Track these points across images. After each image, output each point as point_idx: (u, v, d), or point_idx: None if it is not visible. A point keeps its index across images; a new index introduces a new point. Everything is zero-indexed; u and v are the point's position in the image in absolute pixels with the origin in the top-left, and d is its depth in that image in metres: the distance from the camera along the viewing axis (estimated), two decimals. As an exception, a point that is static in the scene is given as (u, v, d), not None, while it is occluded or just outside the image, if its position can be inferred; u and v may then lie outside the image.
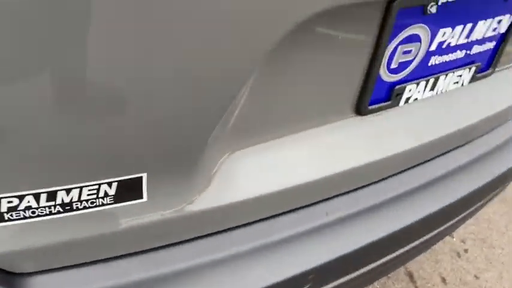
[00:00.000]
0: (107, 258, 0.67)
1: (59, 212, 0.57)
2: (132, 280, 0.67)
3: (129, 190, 0.60)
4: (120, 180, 0.58)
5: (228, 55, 0.55)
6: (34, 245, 0.58)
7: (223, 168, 0.68)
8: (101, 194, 0.58)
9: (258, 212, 0.75)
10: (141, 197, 0.61)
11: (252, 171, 0.70)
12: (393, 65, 0.81)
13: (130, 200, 0.61)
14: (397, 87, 0.84)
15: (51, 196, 0.55)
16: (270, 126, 0.72)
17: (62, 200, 0.56)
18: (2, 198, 0.52)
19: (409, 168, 0.96)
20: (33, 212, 0.55)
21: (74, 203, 0.57)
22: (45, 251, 0.60)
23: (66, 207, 0.57)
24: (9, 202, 0.52)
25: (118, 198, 0.59)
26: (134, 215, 0.62)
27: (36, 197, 0.54)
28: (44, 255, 0.60)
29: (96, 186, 0.57)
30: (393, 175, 0.94)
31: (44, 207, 0.55)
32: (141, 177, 0.59)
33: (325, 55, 0.70)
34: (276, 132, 0.73)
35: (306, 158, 0.76)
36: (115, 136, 0.54)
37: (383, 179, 0.92)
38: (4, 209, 0.53)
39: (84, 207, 0.58)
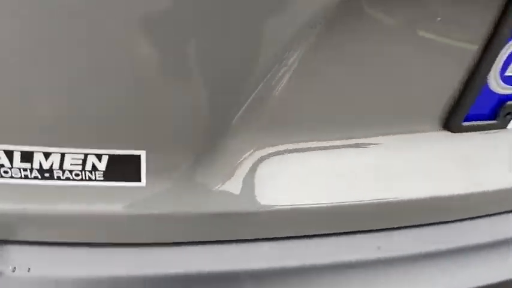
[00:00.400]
0: (93, 244, 0.57)
1: (35, 178, 0.47)
2: (106, 274, 0.56)
3: (123, 169, 0.48)
4: (112, 155, 0.46)
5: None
6: (7, 210, 0.49)
7: (247, 165, 0.54)
8: (88, 167, 0.47)
9: (286, 227, 0.59)
10: (139, 180, 0.50)
11: (285, 176, 0.55)
12: (509, 73, 0.60)
13: (125, 181, 0.49)
14: (508, 103, 0.63)
15: (27, 156, 0.45)
16: (316, 124, 0.56)
17: (40, 164, 0.46)
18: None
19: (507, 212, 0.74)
20: (5, 172, 0.46)
21: (55, 171, 0.47)
22: (20, 221, 0.51)
23: (45, 174, 0.47)
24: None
25: (109, 175, 0.48)
26: (129, 200, 0.51)
27: (9, 154, 0.44)
28: (17, 225, 0.52)
29: (82, 156, 0.46)
30: (483, 216, 0.72)
31: (18, 168, 0.46)
32: (139, 155, 0.47)
33: (408, 44, 0.52)
34: (324, 132, 0.57)
35: (360, 173, 0.58)
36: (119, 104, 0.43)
37: (468, 219, 0.71)
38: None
39: (68, 179, 0.48)
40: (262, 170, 0.55)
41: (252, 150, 0.55)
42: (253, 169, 0.55)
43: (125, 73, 0.41)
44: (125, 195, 0.50)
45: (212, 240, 0.58)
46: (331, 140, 0.57)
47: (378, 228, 0.63)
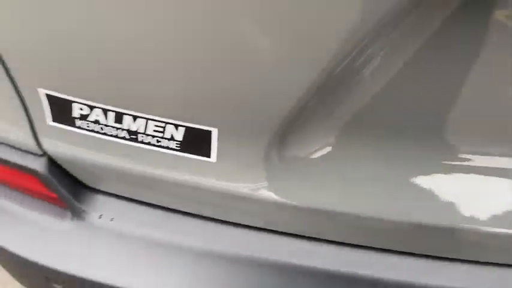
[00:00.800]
0: (167, 208, 0.62)
1: (124, 138, 0.53)
2: (175, 241, 0.60)
3: (197, 142, 0.52)
4: (188, 127, 0.50)
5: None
6: (100, 162, 0.56)
7: (313, 162, 0.53)
8: (167, 135, 0.52)
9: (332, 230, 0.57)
10: (209, 155, 0.53)
11: (350, 181, 0.53)
12: None
13: (197, 154, 0.53)
14: None
15: (119, 117, 0.51)
16: (402, 129, 0.53)
17: (129, 126, 0.52)
18: (74, 102, 0.51)
19: None
20: (101, 128, 0.53)
21: (140, 134, 0.53)
22: (109, 173, 0.58)
23: (132, 136, 0.53)
24: (80, 109, 0.51)
25: (185, 146, 0.53)
26: (199, 173, 0.55)
27: (105, 112, 0.51)
28: (108, 177, 0.59)
29: (163, 125, 0.51)
30: None
31: (111, 127, 0.53)
32: (210, 132, 0.50)
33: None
34: (408, 140, 0.53)
35: (447, 193, 0.53)
36: (199, 84, 0.47)
37: None
38: (76, 114, 0.52)
39: (150, 143, 0.53)
40: (330, 169, 0.54)
41: (323, 148, 0.55)
42: (318, 166, 0.54)
43: (208, 55, 0.44)
44: (196, 168, 0.54)
45: (261, 227, 0.59)
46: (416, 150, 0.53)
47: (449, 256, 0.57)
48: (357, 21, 0.39)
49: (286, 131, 0.50)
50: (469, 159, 0.54)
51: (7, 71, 0.50)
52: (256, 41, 0.42)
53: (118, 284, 0.60)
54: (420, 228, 0.55)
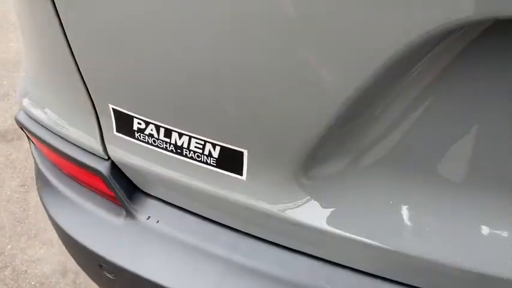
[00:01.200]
0: (203, 217, 0.69)
1: (172, 152, 0.62)
2: (214, 252, 0.67)
3: (230, 161, 0.59)
4: (223, 146, 0.58)
5: None
6: (151, 170, 0.66)
7: (339, 189, 0.57)
8: (206, 152, 0.60)
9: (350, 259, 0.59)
10: (241, 174, 0.60)
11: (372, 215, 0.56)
12: None
13: (230, 171, 0.60)
14: None
15: (168, 133, 0.60)
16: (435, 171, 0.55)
17: (175, 141, 0.61)
18: (134, 117, 0.61)
19: None
20: (154, 141, 0.62)
21: (184, 149, 0.61)
22: (157, 180, 0.67)
23: (178, 150, 0.61)
24: (139, 123, 0.61)
25: (220, 163, 0.60)
26: (232, 188, 0.61)
27: (157, 128, 0.61)
28: (156, 184, 0.68)
29: (203, 143, 0.59)
30: None
31: (162, 140, 0.62)
32: (242, 152, 0.57)
33: None
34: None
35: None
36: (233, 111, 0.54)
37: None
38: (135, 128, 0.62)
39: (192, 158, 0.61)
40: (354, 199, 0.58)
41: (350, 176, 0.59)
42: (343, 194, 0.58)
43: (237, 85, 0.52)
44: (229, 184, 0.61)
45: (284, 245, 0.64)
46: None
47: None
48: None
49: (311, 157, 0.55)
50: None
51: (86, 88, 0.62)
52: (287, 77, 0.48)
53: (156, 280, 0.68)
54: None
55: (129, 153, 0.66)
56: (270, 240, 0.67)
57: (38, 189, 0.82)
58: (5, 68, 2.86)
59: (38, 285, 1.59)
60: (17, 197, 1.94)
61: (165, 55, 0.52)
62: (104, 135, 0.66)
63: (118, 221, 0.71)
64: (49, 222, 1.84)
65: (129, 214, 0.71)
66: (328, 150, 0.55)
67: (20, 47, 3.06)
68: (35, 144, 0.81)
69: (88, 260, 0.75)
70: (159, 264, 0.69)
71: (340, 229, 0.59)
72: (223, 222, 0.68)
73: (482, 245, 0.55)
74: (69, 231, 0.73)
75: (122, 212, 0.72)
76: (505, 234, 0.55)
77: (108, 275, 0.74)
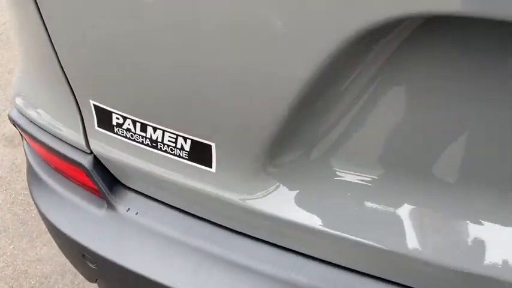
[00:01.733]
0: (180, 210, 0.72)
1: (147, 145, 0.66)
2: (189, 243, 0.70)
3: (200, 153, 0.62)
4: (193, 140, 0.61)
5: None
6: (129, 163, 0.69)
7: (307, 181, 0.60)
8: (178, 146, 0.63)
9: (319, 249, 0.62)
10: (210, 166, 0.63)
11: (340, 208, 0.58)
12: None
13: (201, 164, 0.63)
14: None
15: (143, 128, 0.64)
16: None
17: (151, 135, 0.64)
18: (114, 113, 0.65)
19: None
20: (131, 135, 0.66)
21: (159, 143, 0.65)
22: (135, 173, 0.71)
23: (153, 143, 0.65)
24: (117, 118, 0.65)
25: (191, 156, 0.63)
26: (203, 181, 0.65)
27: (134, 123, 0.64)
28: (135, 177, 0.72)
29: (175, 136, 0.62)
30: None
31: (138, 135, 0.65)
32: (210, 145, 0.61)
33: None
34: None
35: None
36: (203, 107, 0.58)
37: None
38: (114, 122, 0.66)
39: (166, 151, 0.65)
40: (321, 191, 0.61)
41: (316, 168, 0.62)
42: (311, 186, 0.61)
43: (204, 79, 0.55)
44: (200, 176, 0.64)
45: (252, 235, 0.66)
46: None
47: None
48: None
49: (275, 146, 0.58)
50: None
51: (70, 85, 0.66)
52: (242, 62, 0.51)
53: (135, 269, 0.72)
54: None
55: (109, 147, 0.70)
56: (241, 231, 0.70)
57: (29, 183, 0.87)
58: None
59: (37, 284, 1.63)
60: (21, 200, 2.00)
61: (139, 54, 0.56)
62: (86, 130, 0.70)
63: (100, 212, 0.75)
64: (50, 224, 1.88)
65: (110, 206, 0.75)
66: (290, 138, 0.58)
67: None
68: (27, 141, 0.86)
69: (72, 250, 0.79)
70: (137, 255, 0.72)
71: (306, 219, 0.62)
72: (198, 215, 0.71)
73: (460, 240, 0.57)
74: (55, 222, 0.77)
75: (103, 204, 0.76)
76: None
77: (91, 265, 0.78)
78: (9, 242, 1.80)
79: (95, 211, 0.76)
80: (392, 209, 0.59)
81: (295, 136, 0.58)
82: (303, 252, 0.67)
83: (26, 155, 0.86)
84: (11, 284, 1.63)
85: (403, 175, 0.58)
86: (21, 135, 0.86)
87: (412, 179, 0.58)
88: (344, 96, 0.52)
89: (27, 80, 0.76)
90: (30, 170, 0.85)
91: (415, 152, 0.55)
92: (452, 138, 0.53)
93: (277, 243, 0.68)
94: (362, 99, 0.53)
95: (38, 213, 1.90)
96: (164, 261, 0.71)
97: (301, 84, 0.48)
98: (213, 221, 0.71)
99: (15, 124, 0.81)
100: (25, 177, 2.11)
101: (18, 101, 0.79)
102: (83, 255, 0.77)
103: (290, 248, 0.68)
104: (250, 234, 0.69)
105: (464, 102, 0.49)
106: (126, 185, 0.76)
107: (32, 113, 0.76)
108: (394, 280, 0.63)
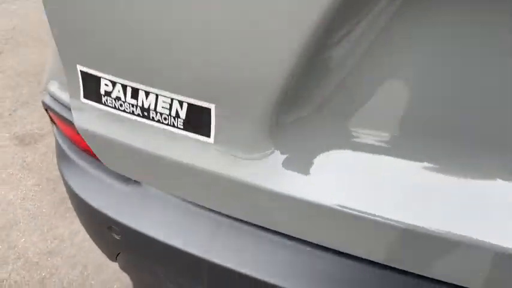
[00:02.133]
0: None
1: (139, 115, 0.59)
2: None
3: (197, 120, 0.56)
4: (190, 104, 0.55)
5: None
6: (119, 140, 0.64)
7: (307, 150, 0.53)
8: (173, 113, 0.57)
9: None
10: (209, 135, 0.56)
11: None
12: None
13: (198, 133, 0.57)
14: None
15: (135, 93, 0.58)
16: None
17: (142, 102, 0.58)
18: (102, 78, 0.59)
19: None
20: (120, 105, 0.60)
21: (151, 111, 0.58)
22: (127, 152, 0.65)
23: (145, 112, 0.59)
24: (106, 85, 0.59)
25: (187, 125, 0.57)
26: (199, 154, 0.58)
27: (124, 88, 0.58)
28: (126, 155, 0.66)
29: (169, 101, 0.56)
30: None
31: (128, 103, 0.59)
32: (209, 109, 0.54)
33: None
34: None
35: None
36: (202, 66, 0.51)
37: None
38: (102, 91, 0.60)
39: (159, 121, 0.58)
40: (321, 160, 0.54)
41: (320, 136, 0.55)
42: (311, 156, 0.54)
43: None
44: (196, 148, 0.58)
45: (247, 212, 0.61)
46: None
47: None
48: None
49: (280, 104, 0.51)
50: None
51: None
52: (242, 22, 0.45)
53: (156, 237, 0.73)
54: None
55: (95, 122, 0.64)
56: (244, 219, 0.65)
57: (58, 164, 0.91)
58: (25, 78, 2.96)
59: (48, 275, 1.61)
60: (32, 195, 1.98)
61: (131, 5, 0.50)
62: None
63: (126, 187, 0.79)
64: (61, 219, 1.86)
65: (135, 181, 0.78)
66: (296, 97, 0.52)
67: (40, 59, 3.17)
68: (56, 124, 0.89)
69: (99, 223, 0.82)
70: (158, 223, 0.75)
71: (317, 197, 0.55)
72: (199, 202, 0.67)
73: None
74: (85, 198, 0.81)
75: (129, 179, 0.79)
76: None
77: (116, 236, 0.81)
78: (20, 235, 1.78)
79: (121, 186, 0.79)
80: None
81: (304, 91, 0.51)
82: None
83: (56, 139, 0.91)
84: (22, 275, 1.61)
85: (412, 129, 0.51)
86: (52, 120, 0.90)
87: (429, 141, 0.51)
88: (354, 50, 0.46)
89: (56, 63, 0.77)
90: (60, 153, 0.90)
91: (428, 111, 0.48)
92: (466, 94, 0.46)
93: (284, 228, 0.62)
94: (371, 54, 0.47)
95: (49, 209, 1.89)
96: (182, 229, 0.73)
97: (309, 32, 0.42)
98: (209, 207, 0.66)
99: (47, 109, 0.84)
100: (36, 174, 2.09)
101: (50, 85, 0.81)
102: (109, 227, 0.80)
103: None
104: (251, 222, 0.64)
105: (476, 56, 0.43)
106: (110, 168, 0.73)
107: (58, 94, 0.79)
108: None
